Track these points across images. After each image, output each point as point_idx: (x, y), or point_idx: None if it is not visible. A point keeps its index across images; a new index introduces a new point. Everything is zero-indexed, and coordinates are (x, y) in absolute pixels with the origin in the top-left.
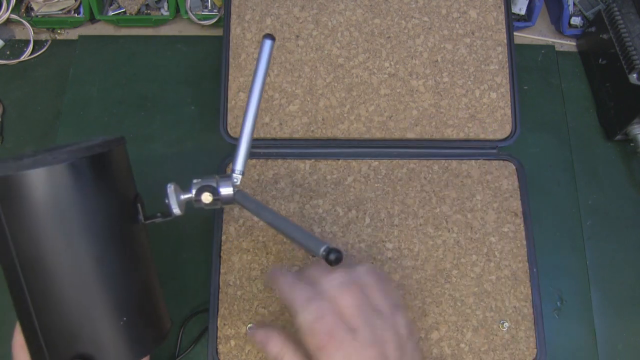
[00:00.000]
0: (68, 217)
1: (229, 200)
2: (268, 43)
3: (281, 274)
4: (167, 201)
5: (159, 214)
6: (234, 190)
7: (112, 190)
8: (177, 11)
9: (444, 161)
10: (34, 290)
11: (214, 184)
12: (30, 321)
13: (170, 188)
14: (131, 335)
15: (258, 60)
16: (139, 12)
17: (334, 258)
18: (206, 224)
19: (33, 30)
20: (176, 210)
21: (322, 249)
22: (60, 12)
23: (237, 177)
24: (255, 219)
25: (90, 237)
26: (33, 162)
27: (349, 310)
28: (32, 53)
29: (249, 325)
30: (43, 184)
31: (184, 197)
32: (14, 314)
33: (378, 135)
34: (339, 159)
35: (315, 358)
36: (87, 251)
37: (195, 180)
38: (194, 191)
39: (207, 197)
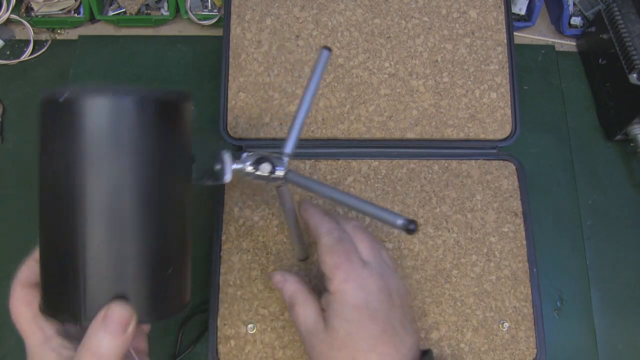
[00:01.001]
0: (139, 151)
1: (279, 177)
2: (325, 53)
3: (312, 206)
4: (219, 167)
5: (207, 177)
6: (285, 169)
7: (176, 139)
8: (177, 11)
9: (444, 161)
10: (86, 224)
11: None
12: (73, 256)
13: (227, 155)
14: (165, 291)
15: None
16: (139, 12)
17: (414, 227)
18: (206, 224)
19: (33, 30)
20: (228, 176)
21: (401, 220)
22: (60, 12)
23: (286, 158)
24: (255, 218)
25: (149, 179)
26: (104, 90)
27: (362, 245)
28: (32, 53)
29: (249, 326)
30: (113, 114)
31: (236, 166)
32: None
33: (378, 135)
34: (339, 159)
35: (330, 276)
36: (142, 191)
37: (248, 153)
38: (251, 161)
39: (266, 168)
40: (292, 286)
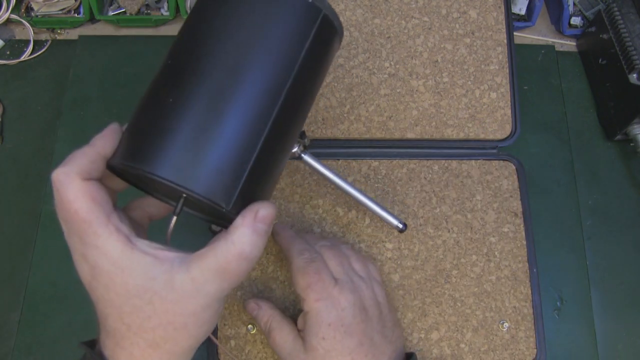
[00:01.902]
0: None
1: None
2: None
3: (283, 229)
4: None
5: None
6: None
7: (316, 75)
8: (177, 11)
9: (444, 161)
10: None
11: None
12: (254, 141)
13: None
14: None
15: None
16: (139, 12)
17: (404, 227)
18: (206, 224)
19: (33, 30)
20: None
21: (397, 221)
22: (60, 12)
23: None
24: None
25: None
26: None
27: (331, 262)
28: (32, 53)
29: (248, 326)
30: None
31: None
32: (14, 314)
33: (378, 135)
34: (339, 159)
35: (304, 296)
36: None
37: None
38: None
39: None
40: (266, 313)
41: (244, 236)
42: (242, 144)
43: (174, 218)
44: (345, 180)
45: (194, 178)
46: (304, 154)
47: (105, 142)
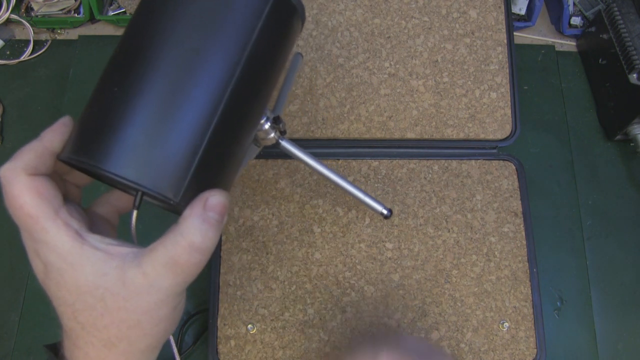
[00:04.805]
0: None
1: (274, 138)
2: (299, 57)
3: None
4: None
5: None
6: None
7: (281, 45)
8: None
9: (444, 161)
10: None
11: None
12: (204, 128)
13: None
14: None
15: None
16: None
17: (389, 212)
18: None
19: (33, 30)
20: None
21: (381, 207)
22: (60, 12)
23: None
24: (255, 218)
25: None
26: None
27: None
28: (32, 53)
29: (248, 326)
30: None
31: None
32: (14, 314)
33: (378, 135)
34: (339, 159)
35: None
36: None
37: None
38: (271, 116)
39: (271, 127)
40: None
41: (193, 226)
42: (190, 133)
43: (135, 212)
44: (326, 166)
45: (138, 170)
46: (282, 140)
47: (53, 136)
